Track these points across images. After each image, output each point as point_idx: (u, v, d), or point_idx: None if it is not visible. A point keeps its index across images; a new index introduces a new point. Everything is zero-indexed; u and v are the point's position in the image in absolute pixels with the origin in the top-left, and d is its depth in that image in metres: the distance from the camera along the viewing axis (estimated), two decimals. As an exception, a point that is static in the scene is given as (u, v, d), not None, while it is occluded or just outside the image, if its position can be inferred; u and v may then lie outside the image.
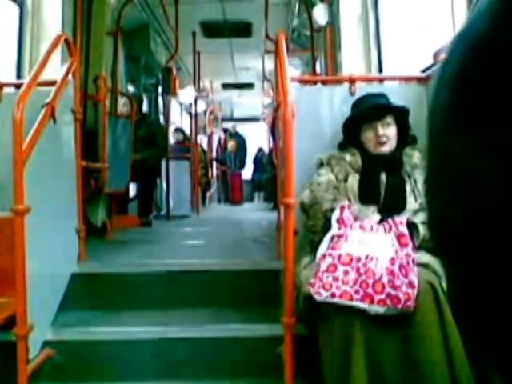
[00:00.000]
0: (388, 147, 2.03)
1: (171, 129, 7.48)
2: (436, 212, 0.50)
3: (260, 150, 11.49)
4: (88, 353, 2.18)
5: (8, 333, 1.96)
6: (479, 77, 0.41)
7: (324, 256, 1.74)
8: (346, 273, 1.67)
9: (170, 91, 5.83)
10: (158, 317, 2.37)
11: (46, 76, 2.34)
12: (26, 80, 2.25)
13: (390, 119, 2.04)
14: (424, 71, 2.45)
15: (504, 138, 0.39)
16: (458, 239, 0.46)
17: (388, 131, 2.03)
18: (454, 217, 0.45)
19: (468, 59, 0.43)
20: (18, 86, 2.43)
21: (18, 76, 3.28)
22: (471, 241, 0.44)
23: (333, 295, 1.65)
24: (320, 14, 4.28)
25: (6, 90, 2.73)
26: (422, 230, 1.81)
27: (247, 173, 10.95)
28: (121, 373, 2.15)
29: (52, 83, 2.39)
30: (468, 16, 0.45)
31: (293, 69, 6.29)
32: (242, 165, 10.56)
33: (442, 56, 2.18)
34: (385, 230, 1.76)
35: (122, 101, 4.47)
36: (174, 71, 5.92)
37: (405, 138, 2.07)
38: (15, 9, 3.36)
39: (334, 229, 1.81)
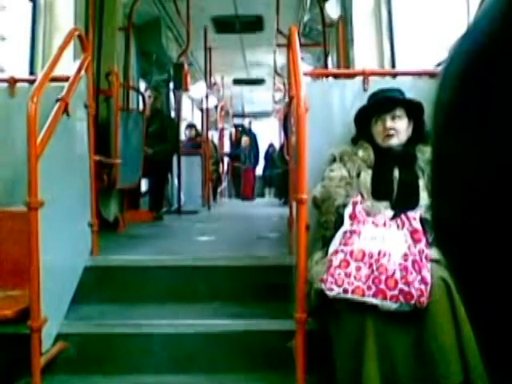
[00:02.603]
0: (396, 140, 2.01)
1: (183, 124, 7.51)
2: (437, 214, 0.50)
3: (271, 145, 11.49)
4: (101, 345, 2.20)
5: (22, 325, 1.98)
6: (483, 76, 0.41)
7: (336, 251, 1.74)
8: (359, 268, 1.67)
9: (181, 86, 5.84)
10: (170, 310, 2.38)
11: (58, 71, 2.36)
12: (39, 75, 2.26)
13: (399, 112, 2.02)
14: (438, 66, 2.43)
15: (506, 140, 0.39)
16: (457, 241, 0.46)
17: (397, 124, 2.01)
18: (455, 219, 0.45)
19: (472, 58, 0.43)
20: (31, 82, 2.45)
21: (31, 71, 3.30)
22: (471, 243, 0.44)
23: (345, 291, 1.64)
24: (332, 8, 4.25)
25: (19, 85, 2.75)
26: (435, 225, 1.79)
27: (259, 168, 10.96)
28: (133, 366, 2.17)
29: (65, 79, 2.40)
30: (474, 16, 0.45)
31: (304, 64, 6.27)
32: (256, 160, 10.57)
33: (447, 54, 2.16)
34: (398, 226, 1.75)
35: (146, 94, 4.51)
36: (186, 66, 5.92)
37: (419, 133, 2.05)
38: (28, 4, 3.38)
39: (347, 224, 1.80)
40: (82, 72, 2.57)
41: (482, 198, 0.41)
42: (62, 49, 2.41)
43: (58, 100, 2.24)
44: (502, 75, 0.39)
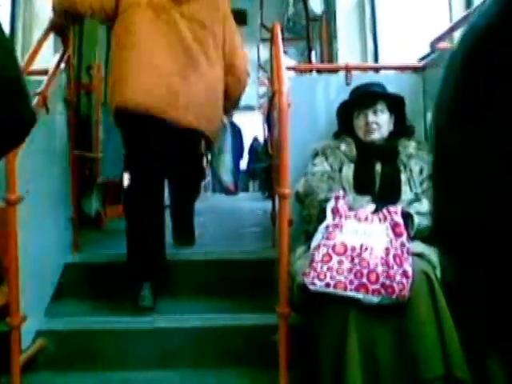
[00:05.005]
0: (378, 134, 2.02)
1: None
2: (438, 207, 0.50)
3: (255, 139, 11.47)
4: (81, 343, 2.17)
5: (1, 323, 1.95)
6: (485, 66, 0.41)
7: (319, 246, 1.74)
8: (341, 263, 1.67)
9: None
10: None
11: (38, 65, 2.31)
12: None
13: (381, 106, 2.03)
14: (420, 60, 2.44)
15: (506, 134, 0.39)
16: (458, 233, 0.46)
17: (379, 118, 2.02)
18: (455, 212, 0.45)
19: (475, 47, 0.43)
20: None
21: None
22: (472, 235, 0.44)
23: (327, 285, 1.64)
24: (316, 3, 4.25)
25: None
26: (416, 220, 1.81)
27: (242, 162, 10.93)
28: (114, 362, 2.14)
29: (44, 72, 2.36)
30: (478, 8, 0.46)
31: (288, 58, 6.26)
32: (241, 154, 10.53)
33: (441, 44, 2.17)
34: (380, 220, 1.76)
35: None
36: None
37: (401, 127, 2.06)
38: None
39: (329, 219, 1.80)
40: (62, 65, 2.53)
41: (483, 192, 0.41)
42: (41, 41, 2.37)
43: (36, 94, 2.20)
44: (503, 63, 0.39)
